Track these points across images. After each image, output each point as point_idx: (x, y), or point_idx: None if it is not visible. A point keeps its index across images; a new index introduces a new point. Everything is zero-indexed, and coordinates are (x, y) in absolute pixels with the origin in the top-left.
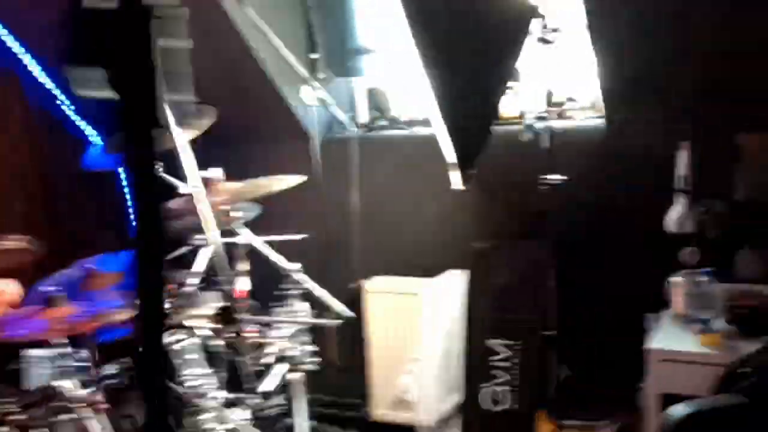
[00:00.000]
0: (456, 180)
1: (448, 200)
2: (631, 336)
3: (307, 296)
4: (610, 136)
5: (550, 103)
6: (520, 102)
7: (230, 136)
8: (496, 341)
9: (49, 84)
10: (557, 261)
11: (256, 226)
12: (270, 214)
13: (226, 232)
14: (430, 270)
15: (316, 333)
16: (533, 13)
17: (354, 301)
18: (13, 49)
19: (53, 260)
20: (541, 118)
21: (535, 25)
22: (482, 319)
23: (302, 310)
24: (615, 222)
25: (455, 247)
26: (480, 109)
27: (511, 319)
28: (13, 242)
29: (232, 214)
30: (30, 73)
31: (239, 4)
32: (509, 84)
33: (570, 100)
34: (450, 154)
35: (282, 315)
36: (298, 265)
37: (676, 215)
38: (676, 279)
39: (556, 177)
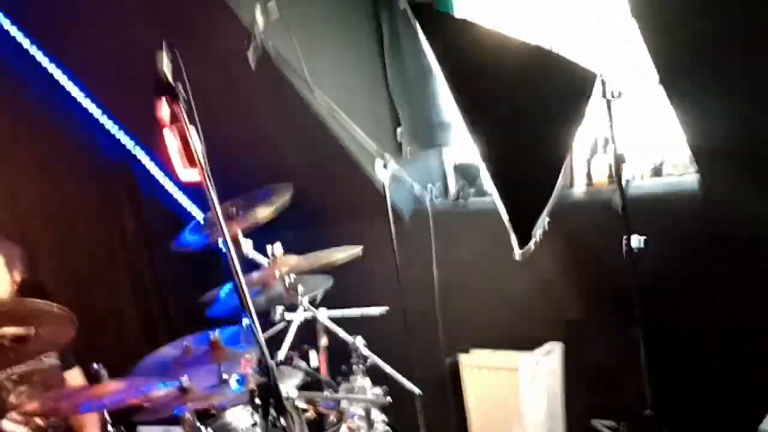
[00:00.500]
0: (515, 249)
1: (543, 269)
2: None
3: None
4: (703, 196)
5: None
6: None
7: (319, 215)
8: (600, 422)
9: (158, 174)
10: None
11: (344, 300)
12: (357, 288)
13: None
14: (525, 343)
15: (396, 411)
16: (593, 79)
17: (452, 375)
18: (127, 145)
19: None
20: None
21: (597, 89)
22: (581, 397)
23: (364, 386)
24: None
25: (550, 318)
26: (538, 178)
27: (611, 397)
28: (59, 311)
29: (298, 287)
30: (142, 165)
31: (308, 86)
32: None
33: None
34: (507, 222)
35: (345, 391)
36: (361, 340)
37: None
38: None
39: (636, 240)
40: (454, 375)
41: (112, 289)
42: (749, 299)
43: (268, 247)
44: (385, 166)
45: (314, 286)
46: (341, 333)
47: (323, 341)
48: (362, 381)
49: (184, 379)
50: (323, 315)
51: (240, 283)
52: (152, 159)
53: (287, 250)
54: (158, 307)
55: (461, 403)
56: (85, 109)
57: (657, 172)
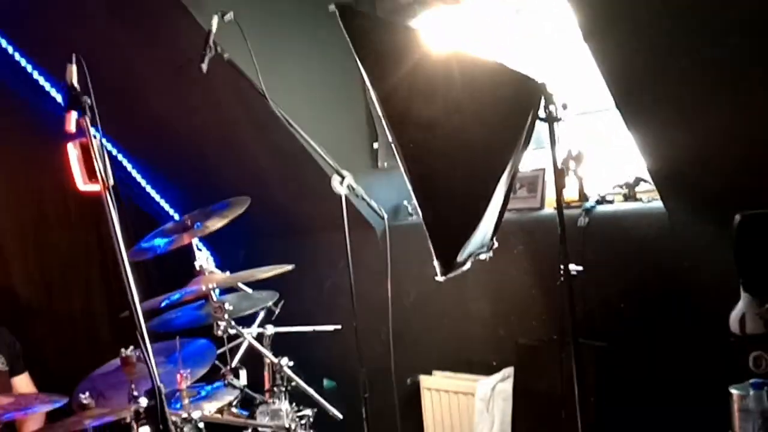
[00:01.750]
0: (437, 272)
1: (504, 290)
2: None
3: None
4: (667, 221)
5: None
6: (586, 184)
7: (296, 228)
8: None
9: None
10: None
11: (307, 316)
12: (324, 304)
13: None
14: (485, 367)
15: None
16: (541, 92)
17: (412, 396)
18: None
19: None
20: (604, 201)
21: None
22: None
23: (281, 408)
24: (665, 320)
25: (508, 342)
26: (466, 201)
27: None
28: None
29: (224, 304)
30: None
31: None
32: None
33: (640, 180)
34: (430, 245)
35: (263, 415)
36: (285, 360)
37: (739, 313)
38: (737, 391)
39: (575, 268)
40: (416, 395)
41: (87, 292)
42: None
43: (198, 262)
44: (341, 183)
45: (254, 303)
46: (266, 353)
47: (269, 358)
48: (281, 404)
49: (84, 396)
50: (249, 333)
51: (133, 299)
52: (131, 163)
53: (256, 261)
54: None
55: (420, 424)
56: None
57: (631, 190)
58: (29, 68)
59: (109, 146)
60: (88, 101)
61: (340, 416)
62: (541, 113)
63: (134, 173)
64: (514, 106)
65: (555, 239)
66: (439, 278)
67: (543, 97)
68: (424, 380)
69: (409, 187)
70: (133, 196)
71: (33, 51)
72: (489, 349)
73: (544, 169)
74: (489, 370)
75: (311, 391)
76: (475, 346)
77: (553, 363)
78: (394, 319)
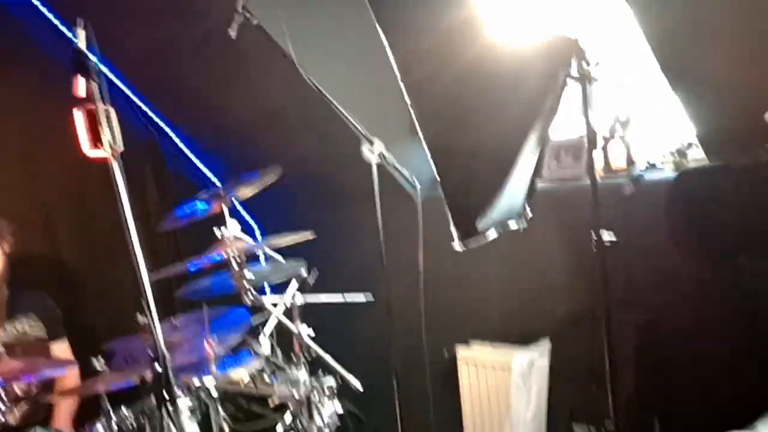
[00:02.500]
0: (455, 240)
1: (541, 260)
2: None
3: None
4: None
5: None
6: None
7: (331, 197)
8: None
9: (183, 147)
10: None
11: (341, 285)
12: (359, 274)
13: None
14: (526, 338)
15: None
16: (572, 49)
17: (447, 368)
18: (155, 120)
19: None
20: (653, 168)
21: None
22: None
23: (299, 377)
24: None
25: (546, 313)
26: (486, 167)
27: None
28: None
29: (244, 273)
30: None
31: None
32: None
33: (690, 145)
34: (447, 211)
35: (282, 383)
36: (306, 329)
37: None
38: None
39: (609, 237)
40: (452, 368)
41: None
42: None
43: (221, 229)
44: (371, 150)
45: (284, 272)
46: (286, 321)
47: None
48: (298, 372)
49: (98, 362)
50: (268, 301)
51: (139, 266)
52: (178, 135)
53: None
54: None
55: (457, 395)
56: (115, 85)
57: (681, 156)
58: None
59: (154, 117)
60: (96, 66)
61: (360, 388)
62: (574, 72)
63: (178, 142)
64: (541, 66)
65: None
66: (458, 247)
67: (575, 55)
68: (461, 351)
69: (426, 151)
70: (178, 165)
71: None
72: (526, 320)
73: None
74: (526, 340)
75: (331, 360)
76: (512, 317)
77: (591, 335)
78: (430, 290)
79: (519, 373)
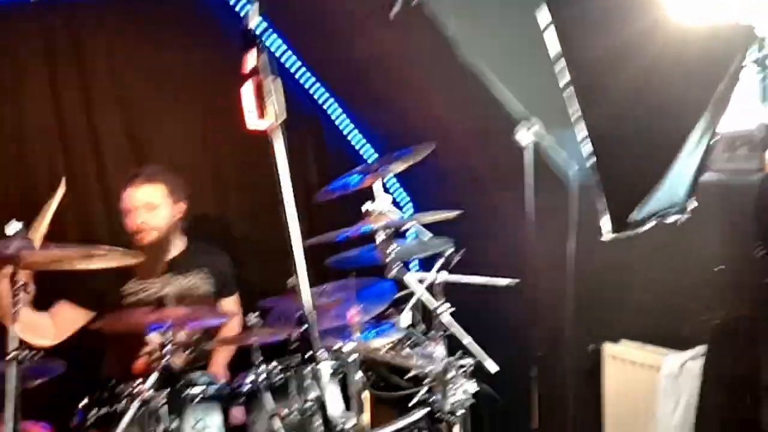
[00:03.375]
0: (607, 228)
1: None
2: None
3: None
4: None
5: None
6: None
7: (482, 178)
8: None
9: (345, 124)
10: None
11: (487, 268)
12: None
13: None
14: (679, 342)
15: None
16: (747, 36)
17: (592, 362)
18: (317, 96)
19: None
20: None
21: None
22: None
23: (434, 353)
24: None
25: (702, 318)
26: (646, 155)
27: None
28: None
29: (387, 247)
30: (330, 116)
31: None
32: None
33: None
34: (601, 199)
35: (417, 356)
36: (445, 306)
37: None
38: None
39: None
40: (597, 363)
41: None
42: None
43: (369, 204)
44: (527, 132)
45: (426, 249)
46: (426, 295)
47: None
48: (436, 348)
49: (252, 316)
50: (412, 277)
51: (289, 233)
52: (345, 110)
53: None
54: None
55: (598, 390)
56: (285, 59)
57: None
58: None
59: (318, 91)
60: (266, 39)
61: (495, 368)
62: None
63: (341, 118)
64: (715, 52)
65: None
66: (607, 236)
67: (751, 43)
68: (608, 348)
69: (583, 135)
70: (337, 139)
71: None
72: (680, 322)
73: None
74: (678, 344)
75: (468, 339)
76: (666, 319)
77: (749, 344)
78: (581, 281)
79: (668, 374)
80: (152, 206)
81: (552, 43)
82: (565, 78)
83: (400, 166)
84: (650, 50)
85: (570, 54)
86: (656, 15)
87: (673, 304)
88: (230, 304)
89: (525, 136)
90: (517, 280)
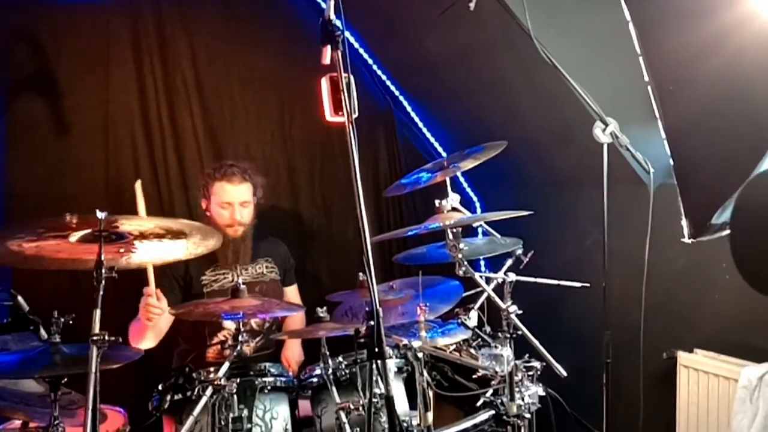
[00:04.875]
0: (685, 232)
1: None
2: None
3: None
4: None
5: None
6: None
7: (558, 177)
8: None
9: (416, 118)
10: None
11: (559, 270)
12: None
13: None
14: (759, 354)
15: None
16: None
17: (664, 371)
18: (390, 91)
19: None
20: None
21: None
22: None
23: (502, 354)
24: None
25: None
26: (729, 158)
27: None
28: None
29: (457, 245)
30: (404, 108)
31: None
32: None
33: None
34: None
35: (485, 357)
36: (513, 307)
37: None
38: None
39: None
40: (671, 371)
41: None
42: None
43: (440, 200)
44: (603, 131)
45: (496, 248)
46: (494, 296)
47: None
48: (503, 350)
49: (320, 310)
50: (481, 275)
51: (363, 228)
52: (413, 107)
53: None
54: (395, 243)
55: (671, 400)
56: (358, 54)
57: None
58: None
59: (392, 87)
60: (342, 35)
61: (564, 373)
62: None
63: (412, 114)
64: None
65: None
66: (687, 240)
67: None
68: (683, 357)
69: (663, 134)
70: (409, 135)
71: None
72: (759, 333)
73: None
74: (758, 357)
75: (536, 342)
76: (746, 329)
77: None
78: (657, 286)
79: (746, 386)
80: (247, 204)
81: (633, 39)
82: (645, 75)
83: (471, 163)
84: (735, 46)
85: (650, 50)
86: (741, 9)
87: (753, 314)
88: (292, 292)
89: (602, 135)
90: (587, 284)
